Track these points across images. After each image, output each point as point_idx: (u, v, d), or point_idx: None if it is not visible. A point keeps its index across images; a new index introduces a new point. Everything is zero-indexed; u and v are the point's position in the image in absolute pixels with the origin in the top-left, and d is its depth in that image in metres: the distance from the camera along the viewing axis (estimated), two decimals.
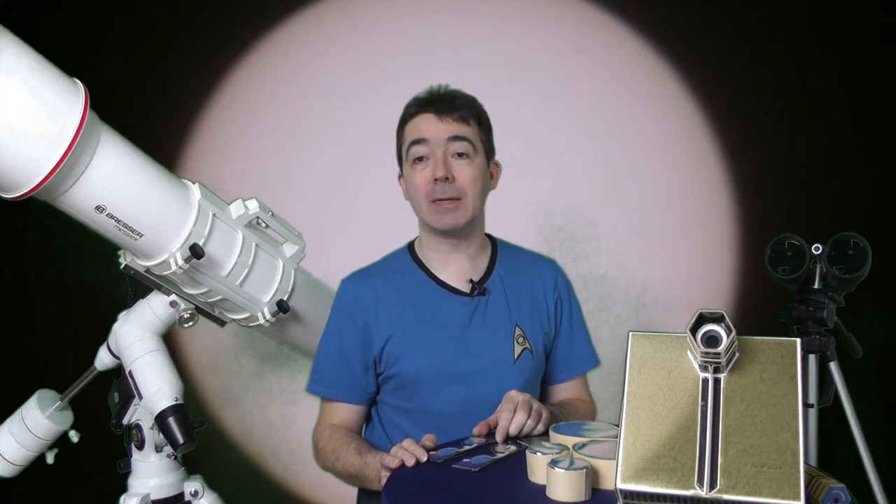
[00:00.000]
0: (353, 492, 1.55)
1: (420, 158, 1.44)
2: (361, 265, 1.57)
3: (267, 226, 1.50)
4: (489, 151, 1.51)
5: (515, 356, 1.47)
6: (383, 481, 1.17)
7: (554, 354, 1.57)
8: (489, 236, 1.59)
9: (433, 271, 1.51)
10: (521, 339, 1.49)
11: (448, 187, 1.42)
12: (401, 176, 1.54)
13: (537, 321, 1.53)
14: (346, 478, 1.41)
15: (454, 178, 1.42)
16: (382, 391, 1.50)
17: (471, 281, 1.50)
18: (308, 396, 1.55)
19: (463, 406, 1.42)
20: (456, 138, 1.43)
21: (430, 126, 1.44)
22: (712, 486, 0.83)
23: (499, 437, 1.23)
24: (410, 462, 1.14)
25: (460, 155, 1.44)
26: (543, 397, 1.58)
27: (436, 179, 1.41)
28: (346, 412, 1.49)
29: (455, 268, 1.51)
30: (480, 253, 1.54)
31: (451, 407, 1.43)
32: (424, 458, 1.14)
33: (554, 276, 1.59)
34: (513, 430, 1.24)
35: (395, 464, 1.14)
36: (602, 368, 1.60)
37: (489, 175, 1.51)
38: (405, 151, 1.48)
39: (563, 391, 1.59)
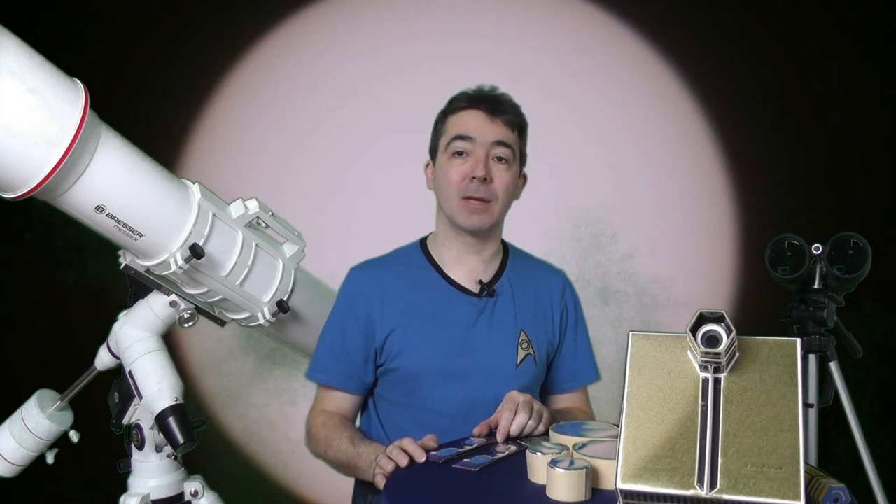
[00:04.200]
0: (350, 491, 1.55)
1: (460, 153, 1.44)
2: None
3: (267, 226, 1.50)
4: (522, 161, 1.52)
5: (518, 361, 1.47)
6: (377, 478, 1.19)
7: (557, 365, 1.56)
8: (503, 242, 1.59)
9: (444, 269, 1.51)
10: (525, 345, 1.48)
11: (483, 188, 1.42)
12: (427, 165, 1.54)
13: (542, 328, 1.52)
14: (338, 466, 1.41)
15: (491, 180, 1.42)
16: (380, 385, 1.50)
17: (480, 282, 1.50)
18: (308, 397, 1.55)
19: (461, 406, 1.42)
20: (500, 143, 1.44)
21: (478, 124, 1.44)
22: (712, 486, 0.83)
23: (499, 437, 1.23)
24: (403, 463, 1.13)
25: (500, 160, 1.44)
26: None
27: (473, 178, 1.41)
28: (342, 401, 1.50)
29: (467, 268, 1.51)
30: (494, 257, 1.54)
31: (449, 406, 1.42)
32: (422, 459, 1.14)
33: (562, 286, 1.58)
34: (514, 431, 1.24)
35: (389, 468, 1.14)
36: (602, 368, 1.60)
37: (518, 184, 1.52)
38: (445, 143, 1.47)
39: (564, 402, 1.58)
